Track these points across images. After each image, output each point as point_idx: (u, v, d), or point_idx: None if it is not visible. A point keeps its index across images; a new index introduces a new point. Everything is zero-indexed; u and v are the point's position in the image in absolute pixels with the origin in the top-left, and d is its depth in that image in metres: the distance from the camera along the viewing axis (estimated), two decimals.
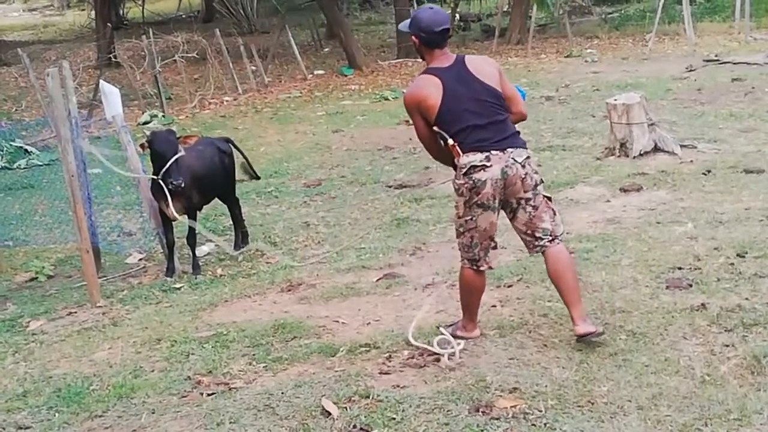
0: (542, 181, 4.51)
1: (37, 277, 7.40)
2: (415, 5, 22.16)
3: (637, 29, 21.79)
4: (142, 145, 6.80)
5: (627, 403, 3.83)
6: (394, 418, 3.84)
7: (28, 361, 5.25)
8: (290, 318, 5.42)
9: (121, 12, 32.88)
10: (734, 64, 15.14)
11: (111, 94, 7.27)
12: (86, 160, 7.34)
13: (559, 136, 10.50)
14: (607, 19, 24.42)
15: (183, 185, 6.59)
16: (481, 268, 4.60)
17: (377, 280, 6.08)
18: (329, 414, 3.93)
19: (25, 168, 11.89)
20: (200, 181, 6.97)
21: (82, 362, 5.09)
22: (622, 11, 25.65)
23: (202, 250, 7.47)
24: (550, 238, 4.48)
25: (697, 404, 3.76)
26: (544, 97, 14.19)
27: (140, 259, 7.65)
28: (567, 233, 6.67)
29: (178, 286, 6.65)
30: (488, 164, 4.35)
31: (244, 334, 5.18)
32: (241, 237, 7.65)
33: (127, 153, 7.21)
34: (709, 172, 8.01)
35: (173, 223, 6.99)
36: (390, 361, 4.53)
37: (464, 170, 4.39)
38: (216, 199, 7.57)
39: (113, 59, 19.07)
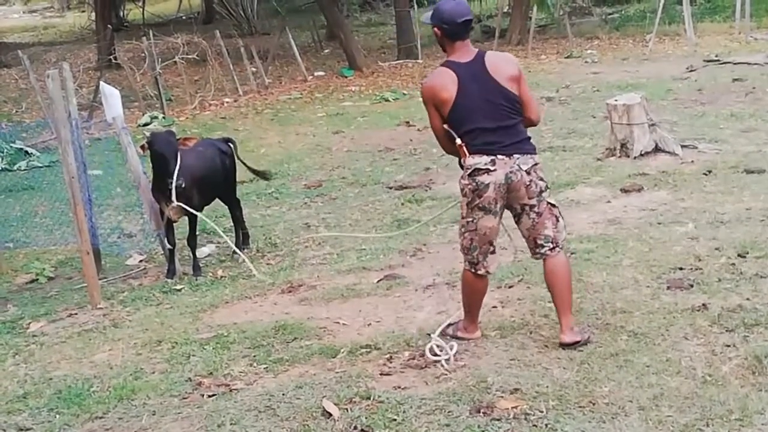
0: (548, 188, 4.49)
1: (37, 279, 7.39)
2: (416, 6, 22.17)
3: (637, 30, 21.78)
4: (142, 147, 6.82)
5: (628, 403, 3.83)
6: (395, 419, 3.84)
7: (29, 362, 5.24)
8: (291, 319, 5.41)
9: (121, 13, 32.90)
10: (735, 64, 15.14)
11: (111, 96, 7.27)
12: (86, 162, 7.33)
13: (560, 137, 10.49)
14: (608, 20, 24.42)
15: (183, 186, 6.60)
16: (479, 272, 4.59)
17: (378, 281, 6.08)
18: (330, 415, 3.92)
19: (25, 170, 11.89)
20: (200, 181, 6.97)
21: (82, 364, 5.08)
22: (623, 12, 25.64)
23: (202, 251, 7.47)
24: (552, 245, 4.48)
25: (699, 404, 3.76)
26: (544, 97, 14.17)
27: (141, 261, 7.64)
28: (568, 234, 6.70)
29: (178, 287, 6.65)
30: (493, 168, 4.34)
31: (244, 336, 5.18)
32: (242, 238, 7.65)
33: (127, 154, 7.21)
34: (710, 172, 8.00)
35: (174, 224, 7.00)
36: (391, 362, 4.52)
37: (469, 171, 4.40)
38: (217, 200, 7.57)
39: (113, 61, 19.08)
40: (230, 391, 4.38)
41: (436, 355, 4.46)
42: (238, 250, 6.88)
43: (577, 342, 4.42)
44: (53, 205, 8.83)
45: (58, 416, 4.31)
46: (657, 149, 8.82)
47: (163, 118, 15.40)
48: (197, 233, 7.13)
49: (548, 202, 4.48)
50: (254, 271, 6.17)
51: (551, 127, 11.11)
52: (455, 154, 4.59)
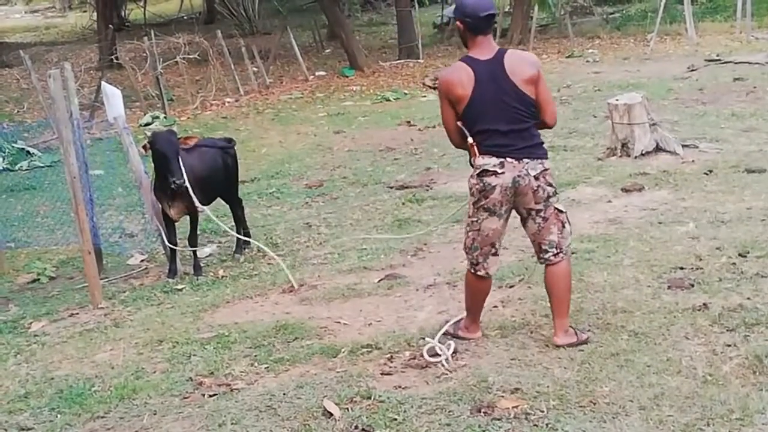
0: (556, 194, 4.49)
1: (39, 279, 7.40)
2: (417, 6, 22.16)
3: (638, 29, 21.77)
4: (144, 146, 6.83)
5: (629, 403, 3.83)
6: (395, 419, 3.84)
7: (30, 362, 5.25)
8: (292, 319, 5.42)
9: (122, 13, 32.90)
10: (736, 63, 15.13)
11: (113, 96, 7.28)
12: (88, 162, 7.34)
13: (561, 137, 10.49)
14: (609, 19, 24.40)
15: (185, 184, 6.61)
16: (479, 273, 4.59)
17: (379, 280, 6.08)
18: (331, 415, 3.93)
19: (26, 170, 11.90)
20: (202, 181, 6.97)
21: (83, 363, 5.09)
22: (624, 11, 25.63)
23: (203, 251, 7.48)
24: (556, 251, 4.49)
25: (699, 404, 3.76)
26: None
27: (142, 261, 7.65)
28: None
29: (179, 287, 6.66)
30: (501, 171, 4.34)
31: (245, 335, 5.18)
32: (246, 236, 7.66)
33: (128, 154, 7.22)
34: (710, 171, 8.00)
35: (176, 224, 7.02)
36: (391, 362, 4.53)
37: (478, 171, 4.40)
38: (218, 200, 7.57)
39: (115, 61, 19.10)
40: (231, 390, 4.38)
41: (435, 355, 4.46)
42: (277, 259, 6.77)
43: (571, 344, 4.45)
44: (55, 205, 8.85)
45: (59, 416, 4.32)
46: (658, 149, 8.82)
47: (165, 117, 15.42)
48: (198, 233, 7.14)
49: (556, 208, 4.47)
50: (294, 283, 6.03)
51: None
52: (465, 149, 4.56)
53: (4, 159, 12.11)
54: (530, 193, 4.38)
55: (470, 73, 4.34)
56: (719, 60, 15.80)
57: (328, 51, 24.07)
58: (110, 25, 22.13)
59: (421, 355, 4.51)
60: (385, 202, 8.64)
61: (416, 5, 22.77)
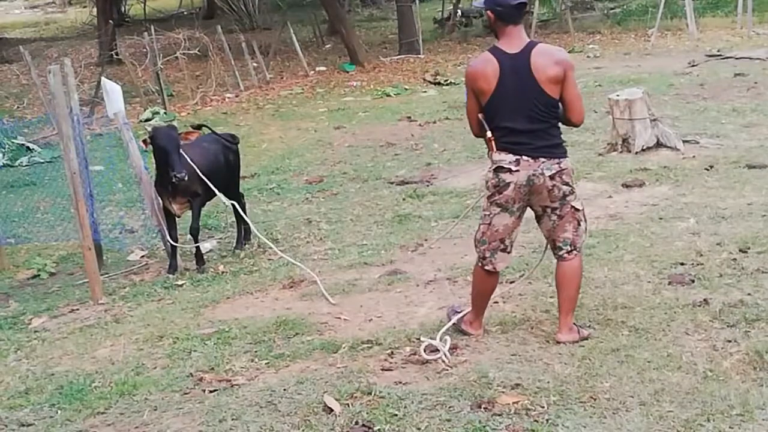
0: (573, 192, 4.44)
1: (39, 275, 7.41)
2: (417, 1, 22.12)
3: (639, 24, 21.74)
4: (144, 141, 6.84)
5: (629, 398, 3.83)
6: (396, 415, 3.84)
7: (31, 358, 5.25)
8: (292, 315, 5.42)
9: (122, 9, 32.83)
10: (737, 59, 15.12)
11: (113, 91, 7.28)
12: (88, 158, 7.34)
13: (562, 132, 10.48)
14: (610, 15, 24.36)
15: (186, 177, 6.61)
16: (486, 268, 4.59)
17: (379, 276, 6.08)
18: (331, 410, 3.93)
19: (27, 165, 11.90)
20: (204, 176, 6.97)
21: (84, 359, 5.09)
22: (625, 6, 25.57)
23: (203, 246, 7.47)
24: (570, 248, 4.48)
25: (700, 400, 3.76)
26: None
27: (142, 256, 7.65)
28: None
29: (180, 283, 6.66)
30: (516, 168, 4.33)
31: (246, 331, 5.18)
32: (244, 233, 7.66)
33: (128, 150, 7.21)
34: (711, 167, 8.00)
35: (176, 219, 7.03)
36: (392, 358, 4.53)
37: (494, 167, 4.40)
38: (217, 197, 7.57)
39: (115, 56, 19.06)
40: (231, 386, 4.38)
41: (434, 351, 4.44)
42: (281, 252, 6.76)
43: (574, 341, 4.46)
44: (55, 201, 8.85)
45: (59, 412, 4.32)
46: (658, 144, 8.81)
47: (165, 113, 15.40)
48: (200, 227, 7.15)
49: (572, 206, 4.45)
50: (329, 299, 5.73)
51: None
52: (482, 137, 4.54)
53: (4, 155, 12.10)
54: (545, 191, 4.36)
55: (495, 67, 4.30)
56: (720, 55, 15.77)
57: (328, 46, 24.04)
58: (110, 21, 22.08)
59: (415, 353, 4.49)
60: (385, 198, 8.64)
61: (417, 0, 22.73)
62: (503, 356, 4.40)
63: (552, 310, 4.90)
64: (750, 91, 12.01)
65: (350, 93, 16.86)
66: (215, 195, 7.41)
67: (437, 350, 4.44)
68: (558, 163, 4.36)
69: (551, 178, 4.34)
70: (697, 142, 8.96)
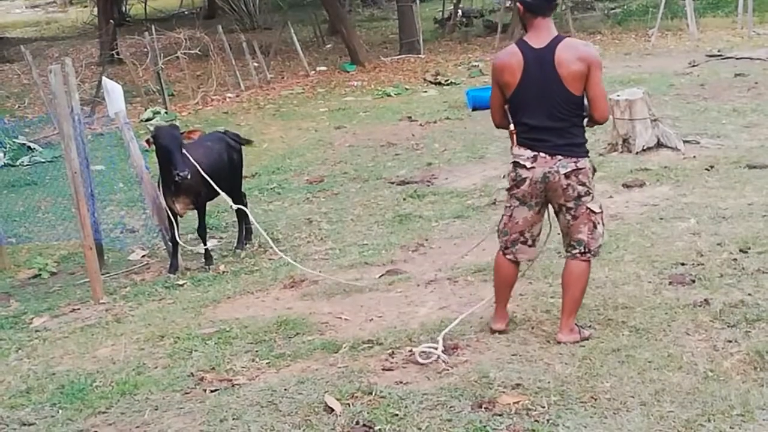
0: (589, 194, 4.43)
1: (40, 274, 7.41)
2: (418, 1, 22.11)
3: (639, 24, 21.73)
4: (147, 141, 6.86)
5: (630, 399, 3.83)
6: (396, 415, 3.84)
7: (32, 357, 5.26)
8: (293, 314, 5.42)
9: (123, 9, 32.82)
10: (737, 59, 15.11)
11: (113, 91, 7.28)
12: (89, 157, 7.35)
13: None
14: (610, 15, 24.35)
15: (189, 176, 6.63)
16: (507, 256, 4.64)
17: (380, 276, 6.08)
18: (332, 410, 3.93)
19: (28, 165, 11.90)
20: (208, 175, 6.98)
21: (85, 359, 5.09)
22: (625, 6, 25.55)
23: (203, 246, 7.47)
24: (583, 250, 4.47)
25: (700, 400, 3.76)
26: None
27: (143, 256, 7.66)
28: None
29: (180, 282, 6.66)
30: (532, 165, 4.36)
31: (246, 331, 5.18)
32: (245, 233, 7.67)
33: (129, 150, 7.22)
34: (712, 167, 8.00)
35: (180, 219, 7.05)
36: (393, 358, 4.53)
37: (513, 160, 4.45)
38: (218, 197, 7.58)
39: (116, 56, 19.08)
40: (232, 386, 4.39)
41: (428, 356, 4.43)
42: (280, 253, 6.76)
43: (574, 341, 4.46)
44: (56, 201, 8.85)
45: (60, 411, 4.32)
46: (659, 144, 8.81)
47: (166, 113, 15.41)
48: (206, 225, 7.20)
49: (589, 208, 4.43)
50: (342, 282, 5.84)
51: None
52: (504, 127, 4.57)
53: (5, 154, 12.10)
54: (560, 189, 4.37)
55: (520, 61, 4.30)
56: (721, 56, 15.76)
57: (329, 46, 24.03)
58: (111, 21, 22.07)
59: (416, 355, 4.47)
60: (385, 198, 8.65)
61: (417, 0, 22.72)
62: (504, 356, 4.40)
63: (553, 310, 4.91)
64: (750, 91, 12.01)
65: (351, 93, 16.85)
66: (218, 194, 7.44)
67: (431, 354, 4.42)
68: (575, 162, 4.35)
69: (566, 176, 4.34)
70: (698, 143, 8.96)
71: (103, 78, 8.64)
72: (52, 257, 7.85)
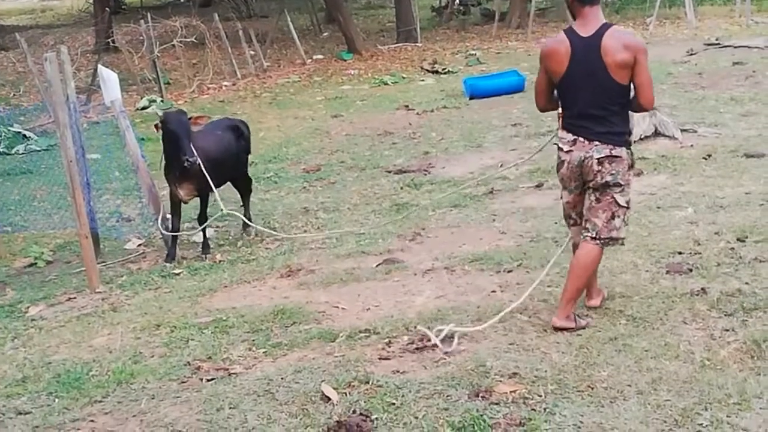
0: (619, 185, 4.45)
1: (36, 263, 7.39)
2: None
3: (637, 13, 21.71)
4: (156, 126, 6.86)
5: (627, 387, 3.83)
6: (393, 404, 3.84)
7: (28, 346, 5.24)
8: (290, 303, 5.41)
9: None
10: (735, 47, 15.10)
11: (109, 79, 7.25)
12: (85, 146, 7.32)
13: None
14: (608, 3, 24.30)
15: (197, 162, 6.62)
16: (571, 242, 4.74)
17: (377, 265, 6.08)
18: (329, 399, 3.92)
19: (23, 153, 11.85)
20: (214, 162, 6.98)
21: (81, 348, 5.08)
22: None
23: (199, 235, 7.44)
24: (594, 235, 4.48)
25: (697, 389, 3.76)
26: None
27: (139, 245, 7.64)
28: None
29: (177, 271, 6.65)
30: (570, 148, 4.46)
31: (243, 320, 5.18)
32: (244, 223, 7.68)
33: (125, 138, 7.19)
34: (709, 156, 7.99)
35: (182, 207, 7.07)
36: (390, 347, 4.53)
37: (558, 143, 4.58)
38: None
39: (111, 44, 18.98)
40: (229, 375, 4.38)
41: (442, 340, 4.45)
42: (278, 234, 6.79)
43: (569, 329, 4.45)
44: (51, 189, 8.81)
45: (57, 400, 4.31)
46: (657, 133, 8.80)
47: (162, 101, 15.36)
48: (207, 214, 7.19)
49: (613, 197, 4.45)
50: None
51: (551, 111, 11.06)
52: (547, 111, 4.80)
53: (0, 143, 12.05)
54: (591, 173, 4.44)
55: (568, 49, 4.37)
56: (718, 44, 15.76)
57: (325, 34, 23.98)
58: (107, 9, 22.00)
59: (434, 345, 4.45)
60: (383, 187, 8.63)
61: None
62: (501, 345, 4.40)
63: (550, 299, 4.90)
64: (748, 79, 12.00)
65: (348, 81, 16.82)
66: (225, 182, 7.45)
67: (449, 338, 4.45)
68: (610, 149, 4.40)
69: (599, 162, 4.39)
70: (695, 131, 8.95)
71: (99, 66, 8.60)
72: (48, 246, 7.83)
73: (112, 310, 5.82)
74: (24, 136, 12.49)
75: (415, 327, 4.70)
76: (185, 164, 6.60)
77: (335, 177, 9.39)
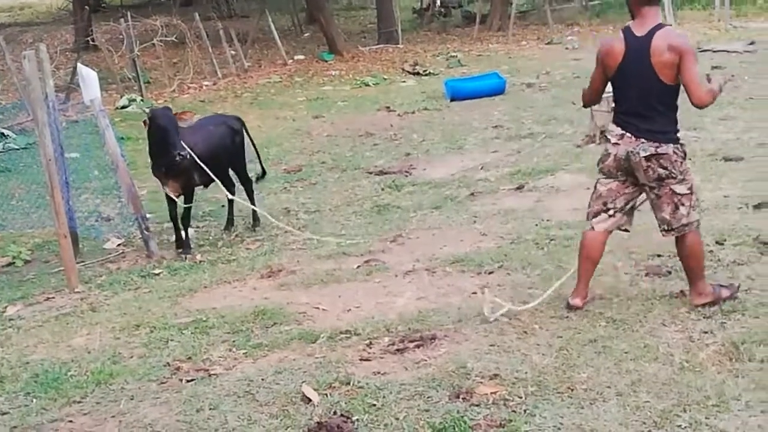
0: (673, 177, 4.56)
1: (14, 262, 7.32)
2: None
3: (618, 17, 21.81)
4: (144, 122, 6.84)
5: (606, 389, 3.85)
6: (374, 405, 3.84)
7: (5, 346, 5.19)
8: (270, 304, 5.40)
9: None
10: (714, 52, 15.23)
11: (89, 78, 7.20)
12: (63, 144, 7.26)
13: (540, 123, 10.51)
14: (588, 7, 24.46)
15: (188, 156, 6.60)
16: (587, 228, 4.81)
17: (358, 266, 6.07)
18: (310, 400, 3.92)
19: (1, 152, 11.74)
20: (203, 158, 6.95)
21: (59, 348, 5.04)
22: None
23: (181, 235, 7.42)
24: (666, 228, 4.64)
25: (676, 390, 3.78)
26: (524, 84, 14.21)
27: (119, 245, 7.59)
28: (547, 220, 6.73)
29: (156, 271, 6.61)
30: (617, 142, 4.59)
31: (223, 321, 5.15)
32: (227, 222, 7.68)
33: (105, 137, 7.14)
34: (688, 159, 8.01)
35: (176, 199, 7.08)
36: (370, 348, 4.52)
37: (607, 135, 4.71)
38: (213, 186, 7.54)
39: (91, 42, 18.87)
40: (209, 376, 4.36)
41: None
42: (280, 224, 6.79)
43: (707, 303, 4.60)
44: (30, 188, 8.75)
45: (35, 400, 4.28)
46: None
47: (142, 100, 15.28)
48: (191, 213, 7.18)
49: (672, 189, 4.56)
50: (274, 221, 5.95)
51: (531, 114, 11.13)
52: (589, 107, 5.09)
53: None
54: (641, 171, 4.54)
55: (622, 47, 4.51)
56: (698, 48, 15.83)
57: (307, 35, 23.94)
58: (86, 7, 21.86)
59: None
60: (364, 188, 8.63)
61: None
62: (481, 347, 4.41)
63: (530, 300, 4.91)
64: (727, 84, 12.06)
65: (329, 82, 16.81)
66: (212, 180, 7.41)
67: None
68: (657, 146, 4.50)
69: (647, 159, 4.50)
70: None
71: (78, 64, 8.53)
72: (26, 245, 7.76)
73: (91, 310, 5.78)
74: (2, 134, 12.38)
75: (396, 327, 4.70)
76: (176, 158, 6.58)
77: (316, 178, 9.38)
